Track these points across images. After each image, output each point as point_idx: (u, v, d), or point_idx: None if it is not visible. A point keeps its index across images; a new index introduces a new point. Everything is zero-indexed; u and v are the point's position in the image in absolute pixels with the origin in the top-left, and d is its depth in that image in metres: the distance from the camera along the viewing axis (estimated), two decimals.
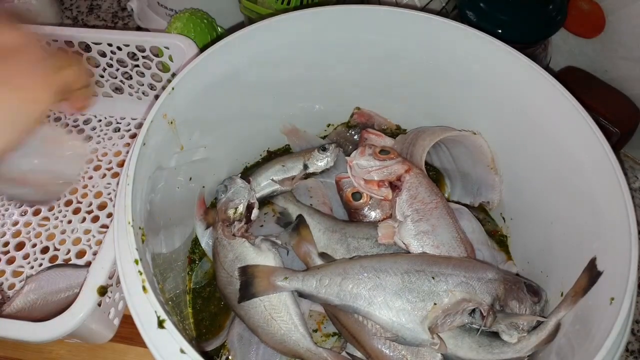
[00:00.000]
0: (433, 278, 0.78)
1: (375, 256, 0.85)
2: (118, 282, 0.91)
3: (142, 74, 1.22)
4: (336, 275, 0.80)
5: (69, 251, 1.07)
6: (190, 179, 0.95)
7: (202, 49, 0.89)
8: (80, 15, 1.59)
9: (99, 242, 1.06)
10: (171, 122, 0.83)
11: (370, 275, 0.79)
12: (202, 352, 0.62)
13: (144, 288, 0.66)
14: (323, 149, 1.03)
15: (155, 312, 0.64)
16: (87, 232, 1.10)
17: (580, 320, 0.72)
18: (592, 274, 0.72)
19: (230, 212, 0.93)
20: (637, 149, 1.18)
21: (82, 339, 0.92)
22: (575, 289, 0.74)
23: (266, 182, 1.03)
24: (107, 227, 1.08)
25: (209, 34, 1.29)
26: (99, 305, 0.86)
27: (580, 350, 0.68)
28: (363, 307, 0.77)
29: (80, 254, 1.07)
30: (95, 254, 1.05)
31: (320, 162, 1.02)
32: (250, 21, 1.22)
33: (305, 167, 1.02)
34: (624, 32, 1.10)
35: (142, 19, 1.47)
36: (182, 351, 0.62)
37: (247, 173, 1.07)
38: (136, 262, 0.68)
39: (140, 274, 0.67)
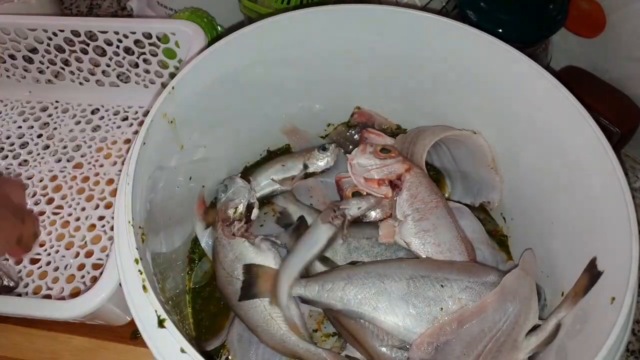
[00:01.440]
0: (438, 284, 0.78)
1: (378, 262, 0.85)
2: None
3: (149, 62, 1.22)
4: (339, 280, 0.80)
5: (84, 237, 1.09)
6: (190, 178, 0.94)
7: (202, 49, 0.89)
8: (80, 14, 1.60)
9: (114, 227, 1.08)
10: (171, 122, 0.83)
11: (375, 280, 0.79)
12: (202, 352, 0.62)
13: (144, 287, 0.66)
14: (323, 148, 1.02)
15: (156, 311, 0.64)
16: (101, 218, 1.12)
17: (580, 320, 0.72)
18: (592, 274, 0.72)
19: (230, 211, 0.93)
20: (637, 148, 1.18)
21: (102, 319, 0.93)
22: (575, 289, 0.74)
23: (266, 182, 1.02)
24: None
25: (209, 33, 1.28)
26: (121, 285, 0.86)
27: (581, 350, 0.68)
28: (368, 312, 0.77)
29: (96, 239, 1.09)
30: (110, 239, 1.08)
31: (321, 161, 1.02)
32: (250, 20, 1.22)
33: (305, 166, 1.02)
34: (624, 32, 1.10)
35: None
36: (182, 350, 0.62)
37: (247, 173, 1.07)
38: (136, 261, 0.68)
39: (141, 273, 0.67)
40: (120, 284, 0.82)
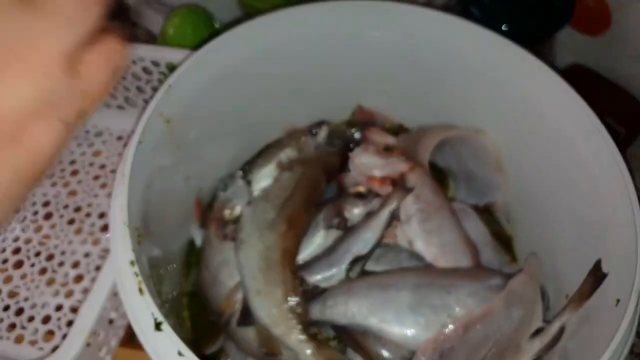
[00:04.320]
0: (444, 290, 0.77)
1: (379, 273, 0.84)
2: (110, 321, 0.89)
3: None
4: (341, 294, 0.79)
5: (67, 274, 1.03)
6: (187, 178, 0.93)
7: (200, 45, 0.89)
8: None
9: (99, 268, 1.03)
10: (168, 121, 0.83)
11: (378, 291, 0.78)
12: (199, 356, 0.61)
13: (140, 290, 0.65)
14: (314, 133, 1.02)
15: (152, 314, 0.63)
16: (86, 255, 1.05)
17: (585, 322, 0.72)
18: (597, 276, 0.72)
19: (226, 212, 0.92)
20: None
21: None
22: (580, 291, 0.73)
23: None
24: (107, 251, 1.04)
25: (207, 30, 1.28)
26: (89, 345, 0.83)
27: (585, 353, 0.68)
28: (375, 324, 0.76)
29: (78, 278, 1.03)
30: (93, 280, 1.00)
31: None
32: (248, 17, 1.21)
33: None
34: (630, 30, 1.10)
35: (138, 15, 1.47)
36: (179, 354, 0.61)
37: (244, 169, 1.04)
38: (132, 263, 0.67)
39: (137, 275, 0.66)
40: (88, 344, 0.81)
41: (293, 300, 0.80)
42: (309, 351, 0.77)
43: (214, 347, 0.89)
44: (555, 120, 0.82)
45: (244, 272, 0.84)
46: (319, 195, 0.93)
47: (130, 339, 0.95)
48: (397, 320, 0.76)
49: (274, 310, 0.79)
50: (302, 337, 0.78)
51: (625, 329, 0.61)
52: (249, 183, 0.96)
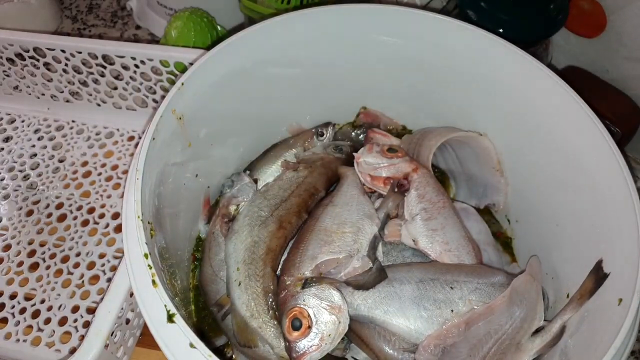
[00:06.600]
0: (448, 286, 0.78)
1: (386, 267, 0.85)
2: (127, 321, 0.89)
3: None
4: (346, 286, 0.80)
5: (82, 275, 1.04)
6: (197, 175, 0.94)
7: (204, 49, 0.89)
8: (80, 14, 1.59)
9: (114, 268, 1.04)
10: (180, 118, 0.83)
11: (384, 284, 0.79)
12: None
13: (153, 282, 0.66)
14: (321, 134, 1.03)
15: (165, 306, 0.64)
16: (102, 255, 1.06)
17: (587, 321, 0.72)
18: (598, 276, 0.72)
19: (232, 208, 0.93)
20: (638, 149, 1.18)
21: None
22: (581, 291, 0.74)
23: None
24: (122, 252, 1.04)
25: (209, 33, 1.28)
26: (107, 346, 0.83)
27: (588, 352, 0.67)
28: (379, 316, 0.77)
29: (94, 279, 1.03)
30: (108, 280, 1.02)
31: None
32: (250, 20, 1.22)
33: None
34: (625, 32, 1.10)
35: (141, 18, 1.47)
36: (191, 346, 0.62)
37: (251, 167, 1.06)
38: (146, 256, 0.67)
39: (150, 267, 0.67)
40: (106, 346, 0.81)
41: (271, 296, 0.81)
42: (283, 345, 0.78)
43: (220, 341, 0.89)
44: (556, 122, 0.82)
45: (229, 261, 0.86)
46: (315, 203, 0.94)
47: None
48: (401, 313, 0.77)
49: (252, 303, 0.81)
50: (278, 331, 0.79)
51: (628, 328, 0.62)
52: (255, 181, 0.97)
